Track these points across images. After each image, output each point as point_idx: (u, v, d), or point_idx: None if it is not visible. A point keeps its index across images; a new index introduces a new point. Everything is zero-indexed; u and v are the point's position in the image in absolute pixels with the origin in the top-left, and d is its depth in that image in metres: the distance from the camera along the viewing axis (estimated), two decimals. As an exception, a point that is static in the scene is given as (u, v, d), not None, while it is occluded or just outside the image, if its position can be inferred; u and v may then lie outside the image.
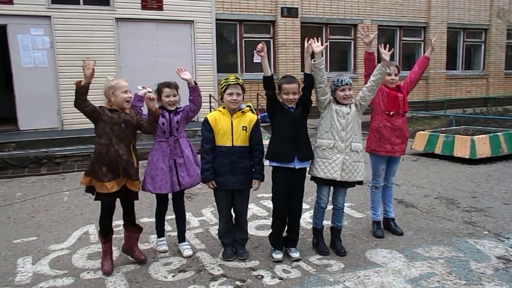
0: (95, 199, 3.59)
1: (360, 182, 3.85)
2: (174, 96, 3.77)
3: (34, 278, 3.47)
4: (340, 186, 3.81)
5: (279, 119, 3.64)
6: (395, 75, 4.12)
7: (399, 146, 4.18)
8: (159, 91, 3.77)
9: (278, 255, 3.71)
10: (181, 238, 4.03)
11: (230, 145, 3.62)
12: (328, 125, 3.73)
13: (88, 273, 3.55)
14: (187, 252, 3.89)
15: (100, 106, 3.47)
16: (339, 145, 3.69)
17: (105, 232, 3.60)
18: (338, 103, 3.76)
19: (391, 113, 4.12)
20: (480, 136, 7.92)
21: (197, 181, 3.83)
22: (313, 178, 3.83)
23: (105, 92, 3.50)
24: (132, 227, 3.77)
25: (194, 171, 3.81)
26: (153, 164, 3.76)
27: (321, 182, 3.82)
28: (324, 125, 3.75)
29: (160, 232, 4.07)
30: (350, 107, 3.75)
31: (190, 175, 3.79)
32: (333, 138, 3.70)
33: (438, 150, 8.20)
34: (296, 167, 3.62)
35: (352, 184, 3.81)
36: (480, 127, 9.48)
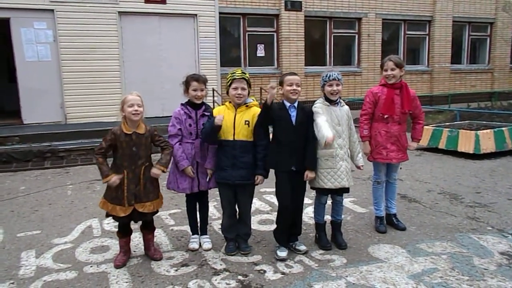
0: (114, 219, 3.62)
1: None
2: (202, 90, 3.71)
3: (37, 272, 3.49)
4: (337, 194, 3.83)
5: (278, 128, 3.61)
6: (392, 70, 4.01)
7: (395, 153, 4.11)
8: (187, 84, 3.73)
9: (283, 253, 3.64)
10: (202, 231, 4.03)
11: (232, 139, 3.61)
12: None
13: (91, 266, 3.57)
14: (206, 245, 3.89)
15: (114, 131, 3.43)
16: (339, 152, 3.69)
17: (123, 234, 3.66)
18: (328, 100, 3.74)
19: (385, 116, 4.07)
20: (485, 131, 7.89)
21: (214, 184, 3.81)
22: (315, 188, 3.82)
23: (120, 109, 3.48)
24: (145, 230, 3.75)
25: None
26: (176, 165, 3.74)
27: (323, 192, 3.82)
28: None
29: (193, 229, 4.03)
30: (341, 110, 3.74)
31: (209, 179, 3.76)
32: (333, 146, 3.68)
33: (442, 145, 8.17)
34: (295, 169, 3.62)
35: (347, 190, 3.83)
36: (484, 122, 9.42)
